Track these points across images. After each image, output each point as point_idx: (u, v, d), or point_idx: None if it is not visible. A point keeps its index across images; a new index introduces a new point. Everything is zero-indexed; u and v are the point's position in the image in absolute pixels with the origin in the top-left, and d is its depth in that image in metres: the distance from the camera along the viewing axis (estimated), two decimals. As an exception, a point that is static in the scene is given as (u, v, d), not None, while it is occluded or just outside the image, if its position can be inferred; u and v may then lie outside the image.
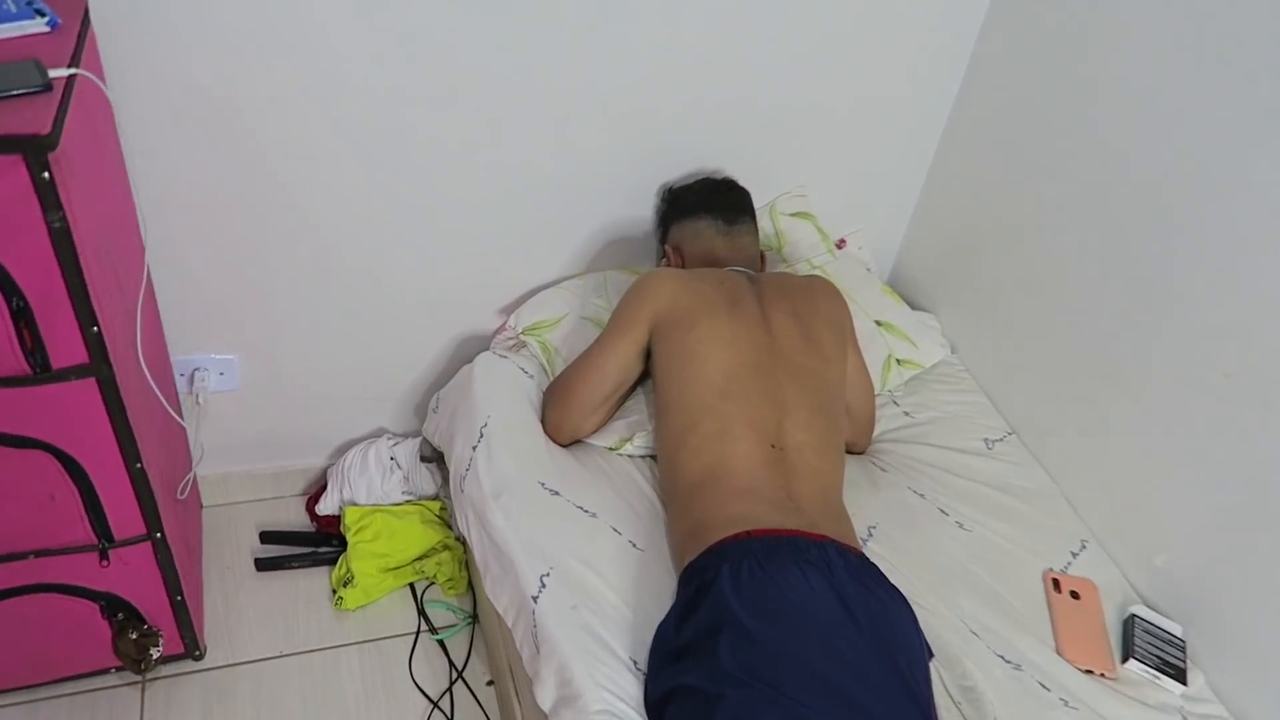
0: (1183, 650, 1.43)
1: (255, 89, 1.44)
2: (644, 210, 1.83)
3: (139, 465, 1.27)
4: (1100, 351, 1.59)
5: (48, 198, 1.00)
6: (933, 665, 1.32)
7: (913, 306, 2.00)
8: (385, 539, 1.79)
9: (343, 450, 1.94)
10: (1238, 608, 1.39)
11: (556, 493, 1.49)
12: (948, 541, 1.54)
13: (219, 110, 1.44)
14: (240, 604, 1.76)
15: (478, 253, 1.75)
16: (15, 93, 0.98)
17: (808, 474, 1.39)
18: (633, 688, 1.25)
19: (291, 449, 1.93)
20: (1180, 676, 1.40)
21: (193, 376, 1.72)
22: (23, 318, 1.07)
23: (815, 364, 1.50)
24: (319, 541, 1.88)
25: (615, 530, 1.45)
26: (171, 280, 1.59)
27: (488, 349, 1.83)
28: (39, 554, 1.32)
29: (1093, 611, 1.47)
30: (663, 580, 1.39)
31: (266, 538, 1.87)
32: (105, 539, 1.34)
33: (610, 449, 1.61)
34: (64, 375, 1.14)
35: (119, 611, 1.45)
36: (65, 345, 1.12)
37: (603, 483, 1.53)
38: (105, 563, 1.36)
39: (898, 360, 1.81)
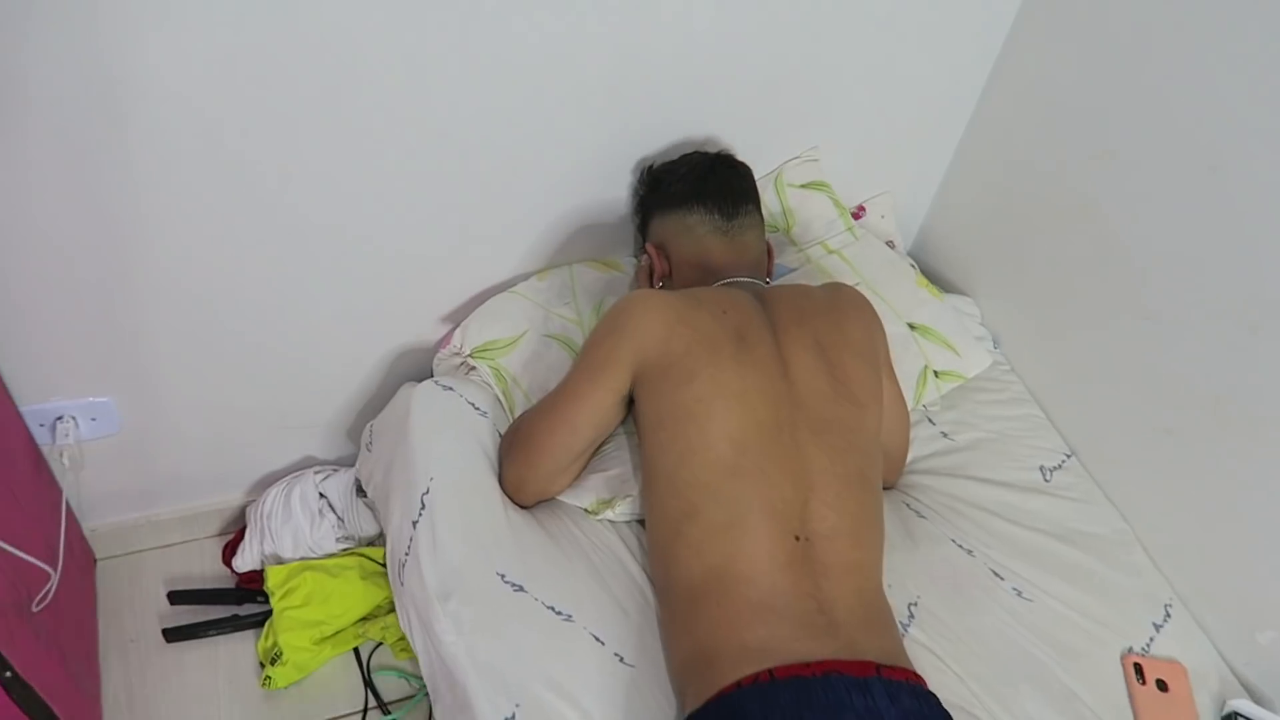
0: (1293, 752, 1.18)
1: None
2: (618, 190, 1.44)
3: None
4: (1194, 371, 1.27)
5: None
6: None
7: (943, 288, 1.66)
8: (318, 603, 1.48)
9: (264, 485, 1.61)
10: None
11: (520, 588, 1.17)
12: (1005, 618, 1.26)
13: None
14: (148, 689, 1.46)
15: (411, 248, 1.37)
16: None
17: (842, 571, 1.08)
18: None
19: (199, 489, 1.59)
20: (1292, 789, 1.15)
21: (54, 426, 1.36)
22: None
23: (846, 414, 1.16)
24: (240, 598, 1.57)
25: (596, 639, 1.14)
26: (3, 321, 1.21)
27: (429, 365, 1.49)
28: None
29: (1184, 706, 1.21)
30: (662, 711, 1.10)
31: (176, 598, 1.56)
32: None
33: (587, 511, 1.29)
34: None
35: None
36: None
37: (579, 565, 1.22)
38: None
39: (935, 372, 1.48)
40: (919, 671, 1.06)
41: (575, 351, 1.39)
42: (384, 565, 1.54)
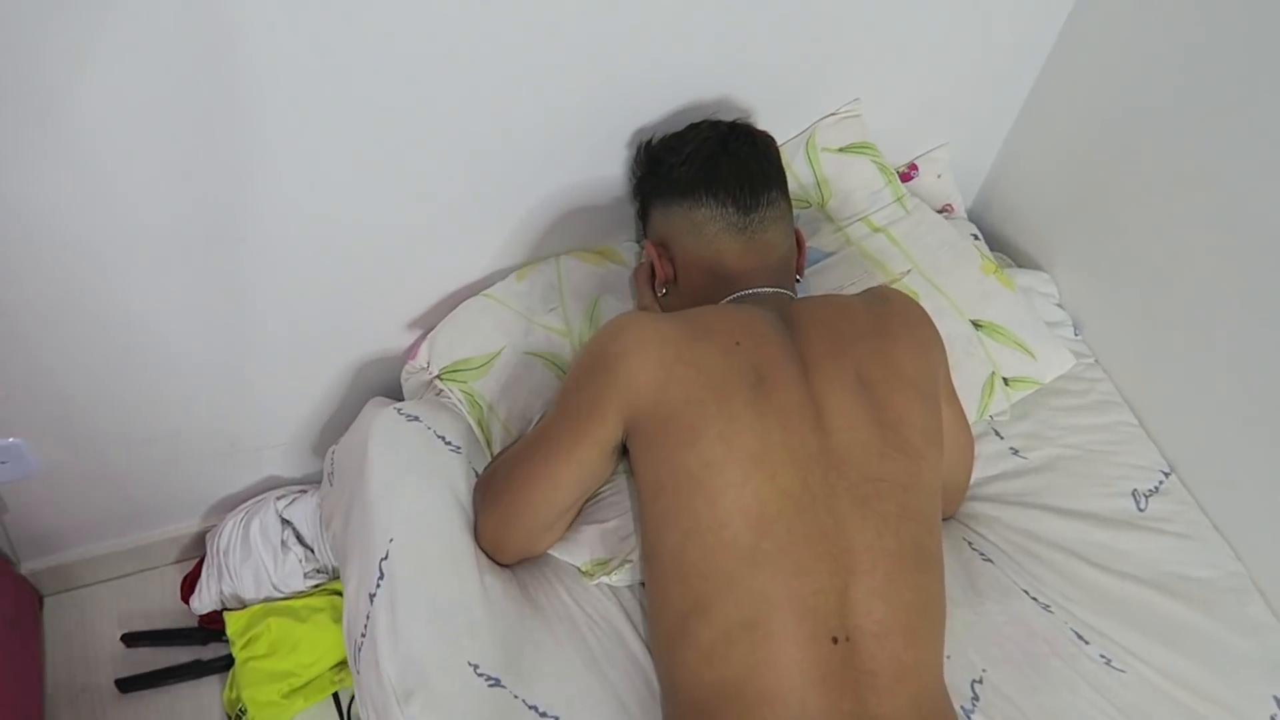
0: None
1: None
2: (611, 169, 1.17)
3: None
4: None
5: None
6: None
7: (1011, 258, 1.38)
8: (285, 653, 1.29)
9: (222, 508, 1.41)
10: None
11: (496, 681, 0.96)
12: (1090, 696, 1.03)
13: None
14: (101, 749, 1.30)
15: (366, 240, 1.12)
16: None
17: (893, 679, 0.85)
18: None
19: (146, 521, 1.39)
20: None
21: (-45, 473, 1.17)
22: None
23: (899, 469, 0.92)
24: (205, 637, 1.40)
25: (591, 749, 0.94)
26: None
27: (399, 373, 1.26)
28: None
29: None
30: (667, 845, 0.90)
31: (132, 639, 1.38)
32: None
33: (581, 572, 1.07)
34: None
35: None
36: None
37: (570, 649, 1.00)
38: None
39: (1005, 380, 1.21)
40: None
41: (563, 371, 1.15)
42: (361, 602, 1.35)
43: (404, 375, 1.24)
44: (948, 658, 0.98)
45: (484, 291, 1.19)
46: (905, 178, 1.35)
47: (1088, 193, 1.30)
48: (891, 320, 0.98)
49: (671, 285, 1.07)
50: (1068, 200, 1.33)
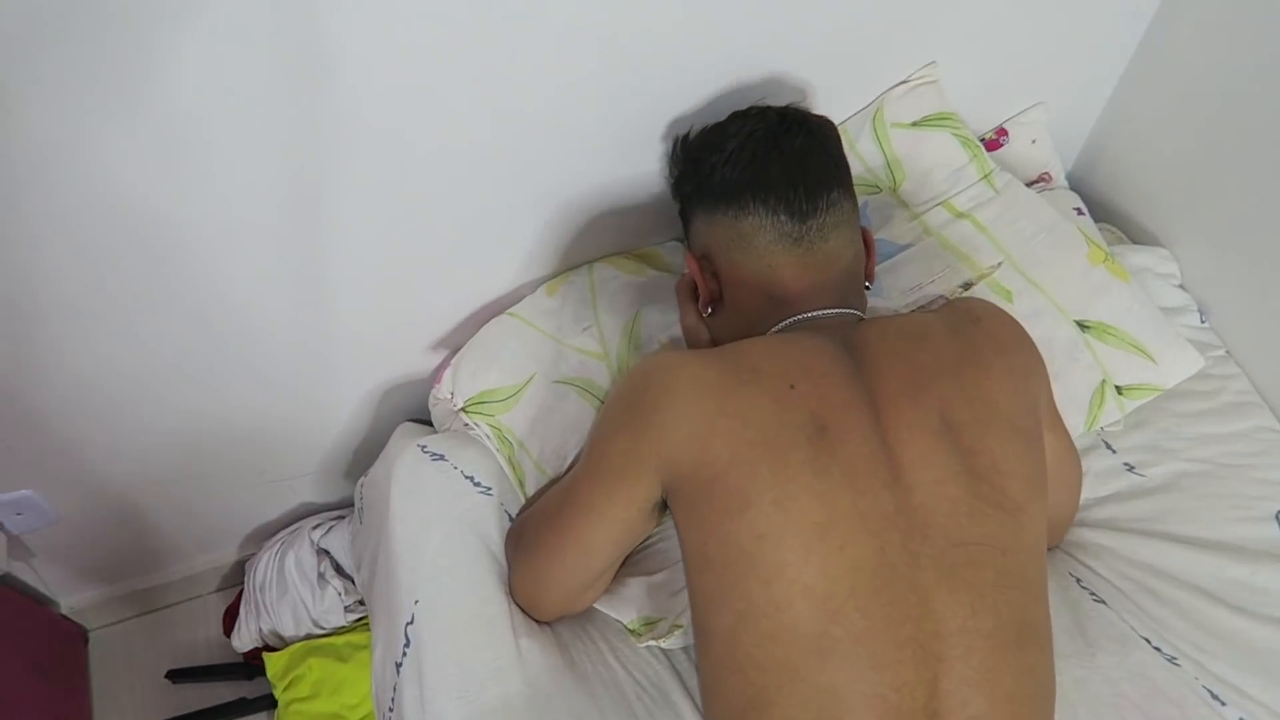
0: None
1: None
2: (648, 166, 1.02)
3: None
4: None
5: None
6: None
7: (1121, 231, 1.19)
8: (329, 694, 1.22)
9: (259, 536, 1.34)
10: None
11: (536, 764, 0.86)
12: (1232, 772, 0.88)
13: None
14: (150, 791, 1.27)
15: (386, 251, 0.99)
16: None
17: (990, 783, 0.72)
18: None
19: (182, 555, 1.33)
20: None
21: (-28, 527, 1.11)
22: None
23: (996, 529, 0.76)
24: (250, 673, 1.34)
25: (641, 845, 0.83)
26: None
27: (426, 395, 1.15)
28: None
29: None
30: None
31: (177, 676, 1.34)
32: None
33: (630, 631, 0.95)
34: None
35: None
36: None
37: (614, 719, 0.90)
38: None
39: (1118, 388, 1.03)
40: None
41: (599, 401, 1.01)
42: (405, 636, 1.27)
43: (431, 401, 1.13)
44: None
45: (509, 310, 1.06)
46: (992, 146, 1.16)
47: (1213, 152, 1.09)
48: (982, 345, 0.82)
49: (717, 304, 0.92)
50: (1189, 161, 1.13)
